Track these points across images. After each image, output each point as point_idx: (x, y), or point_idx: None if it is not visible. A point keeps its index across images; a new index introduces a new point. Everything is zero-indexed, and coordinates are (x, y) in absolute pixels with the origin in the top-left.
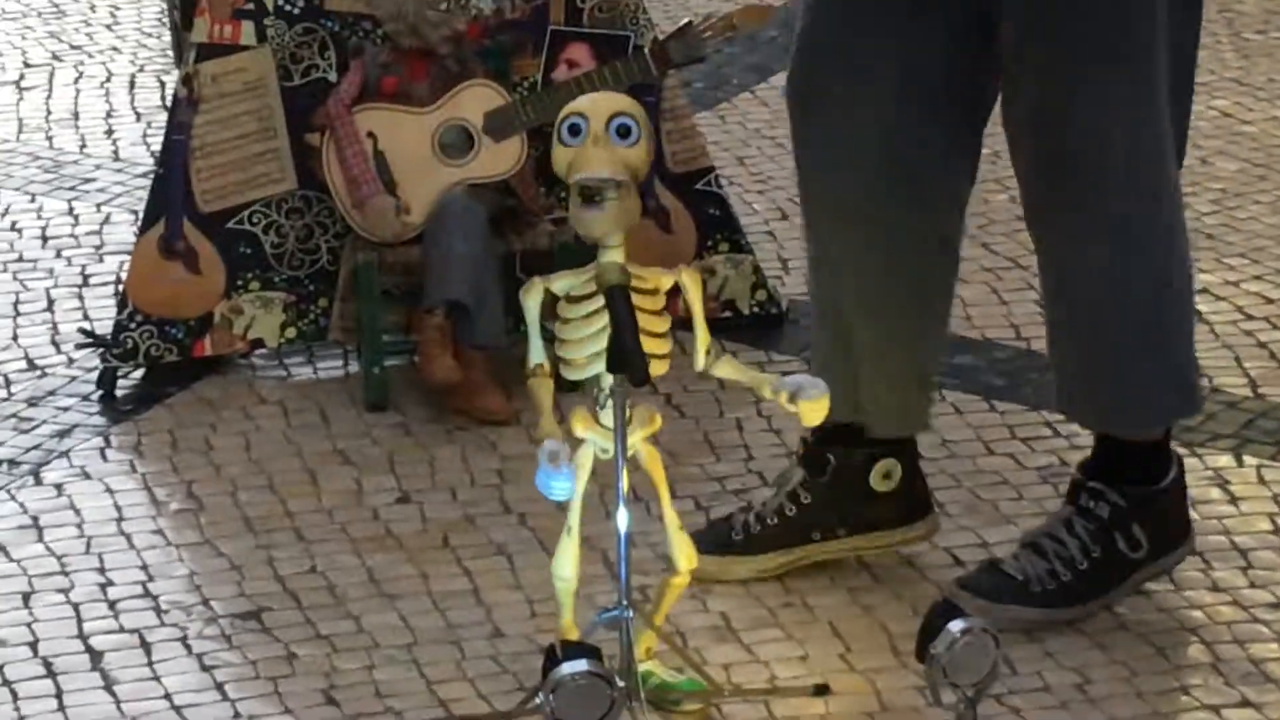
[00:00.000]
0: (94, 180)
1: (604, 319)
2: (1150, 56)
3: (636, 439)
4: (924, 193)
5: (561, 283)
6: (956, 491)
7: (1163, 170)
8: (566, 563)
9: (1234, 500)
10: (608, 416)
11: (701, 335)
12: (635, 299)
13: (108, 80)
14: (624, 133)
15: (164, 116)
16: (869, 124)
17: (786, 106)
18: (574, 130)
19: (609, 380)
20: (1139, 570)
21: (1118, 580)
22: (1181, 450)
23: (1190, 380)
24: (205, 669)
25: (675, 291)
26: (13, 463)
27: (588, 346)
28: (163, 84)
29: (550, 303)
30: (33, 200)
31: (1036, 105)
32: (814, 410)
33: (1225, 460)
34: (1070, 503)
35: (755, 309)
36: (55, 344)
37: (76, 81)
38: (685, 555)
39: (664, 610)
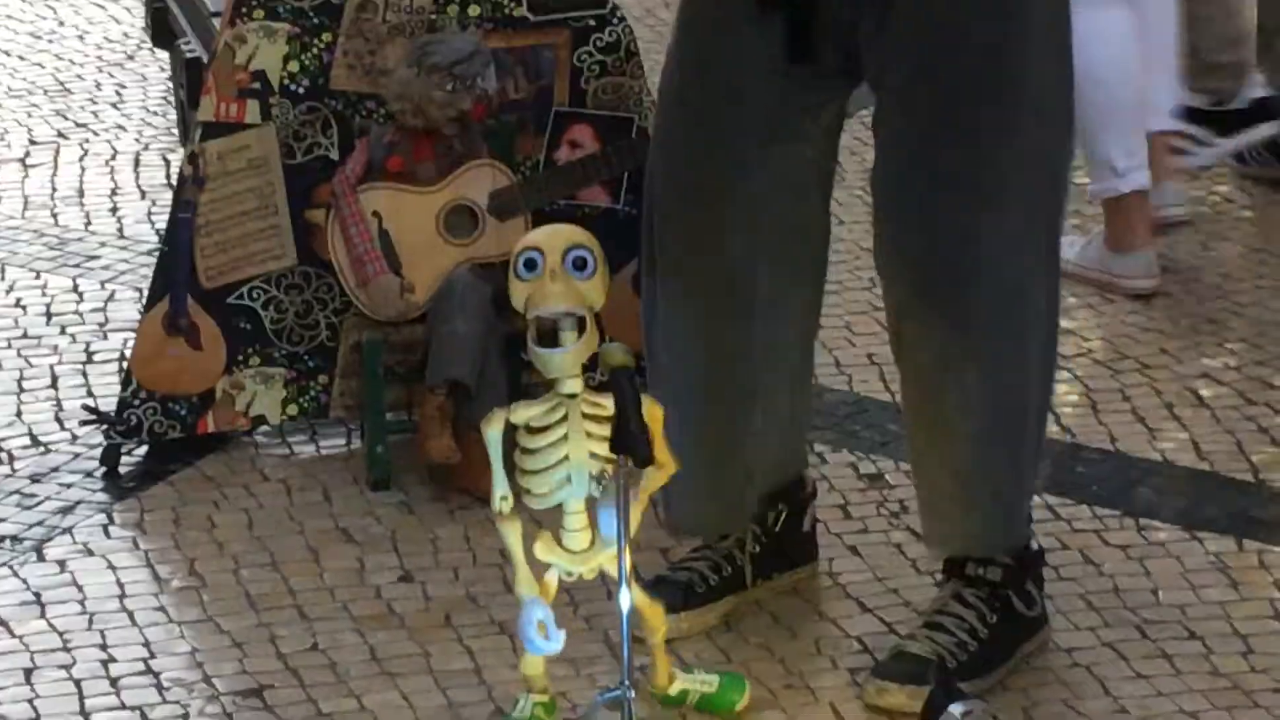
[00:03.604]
0: (98, 257)
1: (566, 448)
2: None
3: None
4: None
5: (522, 413)
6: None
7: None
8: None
9: (1234, 585)
10: (572, 539)
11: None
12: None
13: (113, 158)
14: (580, 265)
15: (168, 194)
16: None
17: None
18: (530, 264)
19: (574, 504)
20: (1035, 630)
21: (1023, 641)
22: (1182, 534)
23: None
24: None
25: None
26: (15, 539)
27: (552, 476)
28: (167, 161)
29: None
30: (37, 277)
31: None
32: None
33: (1226, 545)
34: (955, 576)
35: None
36: (59, 420)
37: (81, 159)
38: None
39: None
